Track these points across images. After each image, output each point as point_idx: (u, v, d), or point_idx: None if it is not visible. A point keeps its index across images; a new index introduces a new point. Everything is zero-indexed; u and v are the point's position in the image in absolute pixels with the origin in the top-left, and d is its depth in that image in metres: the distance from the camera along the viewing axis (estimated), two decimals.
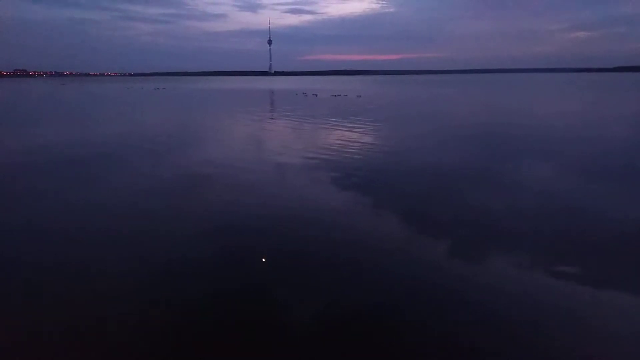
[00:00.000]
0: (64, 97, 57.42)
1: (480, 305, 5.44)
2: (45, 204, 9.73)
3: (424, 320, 5.14)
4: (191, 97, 56.65)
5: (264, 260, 6.76)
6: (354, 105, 38.04)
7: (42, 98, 54.61)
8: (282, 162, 13.57)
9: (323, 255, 6.94)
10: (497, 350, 4.59)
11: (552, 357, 4.50)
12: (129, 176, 12.35)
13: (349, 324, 5.06)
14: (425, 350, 4.60)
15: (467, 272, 6.35)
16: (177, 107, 38.90)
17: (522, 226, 8.17)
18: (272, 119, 26.86)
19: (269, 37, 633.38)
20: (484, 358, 4.49)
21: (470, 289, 5.82)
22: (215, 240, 7.60)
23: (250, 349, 4.64)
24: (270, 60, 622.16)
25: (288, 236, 7.73)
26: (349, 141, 17.48)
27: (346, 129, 21.70)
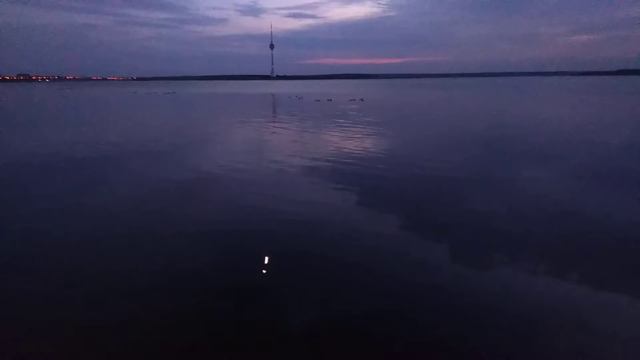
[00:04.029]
0: (77, 103, 57.50)
1: (481, 307, 5.48)
2: (71, 207, 9.74)
3: (424, 322, 5.20)
4: (211, 102, 56.66)
5: (265, 262, 6.80)
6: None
7: (56, 105, 54.75)
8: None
9: (324, 257, 6.95)
10: (498, 351, 4.68)
11: (552, 358, 4.58)
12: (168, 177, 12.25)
13: (349, 325, 5.14)
14: (426, 352, 4.68)
15: (468, 274, 6.38)
16: (204, 113, 39.03)
17: (523, 228, 8.17)
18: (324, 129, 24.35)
19: (271, 41, 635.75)
20: (484, 359, 4.57)
21: (471, 291, 5.86)
22: (218, 243, 7.62)
23: (251, 350, 4.70)
24: (272, 64, 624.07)
25: (289, 239, 7.75)
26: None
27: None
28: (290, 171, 13.24)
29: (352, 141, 19.16)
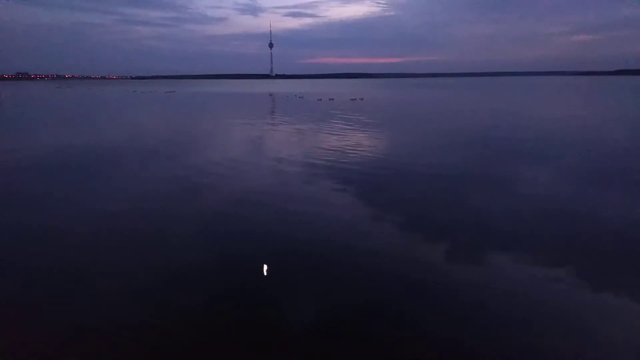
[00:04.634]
0: (78, 104, 57.54)
1: (479, 307, 5.49)
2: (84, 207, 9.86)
3: (423, 321, 5.20)
4: (218, 101, 56.62)
5: (265, 261, 6.84)
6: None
7: (67, 105, 54.75)
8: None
9: (323, 258, 7.01)
10: (496, 351, 4.65)
11: (550, 357, 4.58)
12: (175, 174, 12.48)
13: (348, 326, 5.13)
14: (425, 351, 4.66)
15: (466, 274, 6.43)
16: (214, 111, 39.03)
17: (521, 228, 8.28)
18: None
19: (270, 40, 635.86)
20: (483, 358, 4.55)
21: (470, 291, 5.88)
22: (218, 243, 7.67)
23: (250, 350, 4.69)
24: (272, 63, 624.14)
25: (289, 239, 7.81)
26: None
27: None
28: (300, 175, 13.33)
29: (365, 143, 19.33)
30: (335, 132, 22.59)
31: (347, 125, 25.88)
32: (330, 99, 55.49)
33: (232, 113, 37.67)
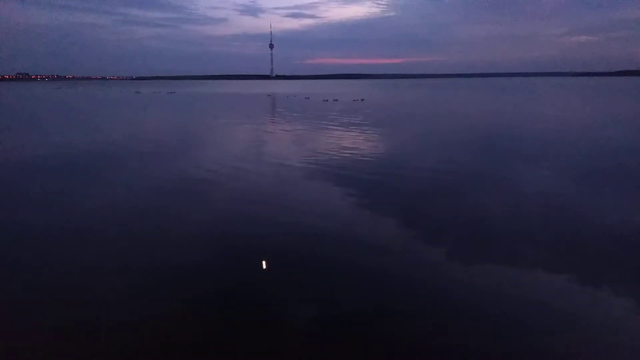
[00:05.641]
0: (94, 103, 57.35)
1: (479, 307, 5.51)
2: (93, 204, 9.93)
3: (422, 321, 5.21)
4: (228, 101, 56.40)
5: (264, 262, 6.85)
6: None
7: (80, 108, 54.48)
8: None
9: (323, 258, 7.01)
10: (495, 351, 4.66)
11: (550, 358, 4.59)
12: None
13: (347, 326, 5.13)
14: (424, 352, 4.67)
15: (466, 274, 6.43)
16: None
17: (520, 228, 8.31)
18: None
19: (271, 41, 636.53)
20: (483, 358, 4.57)
21: (469, 291, 5.90)
22: (217, 243, 7.69)
23: (250, 350, 4.69)
24: (272, 64, 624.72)
25: (289, 239, 7.82)
26: None
27: None
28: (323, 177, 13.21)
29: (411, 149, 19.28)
30: (365, 136, 22.32)
31: (369, 128, 25.71)
32: (334, 100, 55.69)
33: (243, 115, 37.13)
